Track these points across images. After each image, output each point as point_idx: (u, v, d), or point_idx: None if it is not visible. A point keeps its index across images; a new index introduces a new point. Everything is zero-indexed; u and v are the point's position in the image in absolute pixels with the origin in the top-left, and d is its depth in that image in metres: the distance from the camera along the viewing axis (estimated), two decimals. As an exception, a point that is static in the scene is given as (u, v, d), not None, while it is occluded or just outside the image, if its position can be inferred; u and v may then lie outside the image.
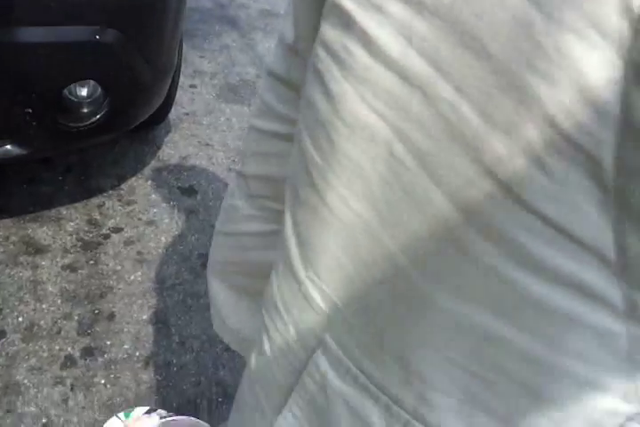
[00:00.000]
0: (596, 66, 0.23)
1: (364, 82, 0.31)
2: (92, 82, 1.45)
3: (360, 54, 0.32)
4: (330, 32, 0.34)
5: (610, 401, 0.31)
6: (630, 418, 0.31)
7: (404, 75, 0.29)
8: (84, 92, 1.46)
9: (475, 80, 0.26)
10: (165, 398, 1.43)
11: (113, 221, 1.86)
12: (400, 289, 0.34)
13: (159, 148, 2.25)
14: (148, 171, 2.11)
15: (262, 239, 0.62)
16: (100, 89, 1.47)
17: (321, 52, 0.35)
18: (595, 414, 0.32)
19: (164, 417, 1.30)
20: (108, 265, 1.71)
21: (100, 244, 1.77)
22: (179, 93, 2.43)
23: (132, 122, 1.73)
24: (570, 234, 0.26)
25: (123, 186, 2.01)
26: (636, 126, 0.23)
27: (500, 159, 0.26)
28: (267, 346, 0.48)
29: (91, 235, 1.79)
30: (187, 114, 2.49)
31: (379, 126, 0.31)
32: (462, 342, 0.33)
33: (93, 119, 1.50)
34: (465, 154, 0.28)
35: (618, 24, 0.22)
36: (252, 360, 0.52)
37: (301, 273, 0.42)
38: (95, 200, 1.92)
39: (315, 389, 0.43)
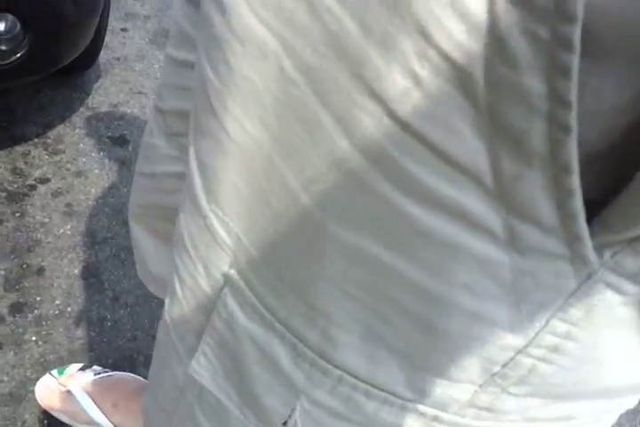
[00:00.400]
0: None
1: None
2: (9, 17, 1.33)
3: None
4: None
5: (499, 335, 0.31)
6: (519, 351, 0.31)
7: None
8: (0, 27, 1.34)
9: None
10: (100, 355, 1.39)
11: (40, 171, 1.75)
12: (296, 219, 0.33)
13: (88, 94, 2.12)
14: (76, 119, 1.99)
15: (183, 182, 0.60)
16: (18, 25, 1.35)
17: None
18: (486, 348, 0.32)
19: (99, 373, 1.27)
20: (35, 218, 1.61)
21: (26, 195, 1.67)
22: (109, 37, 2.29)
23: (56, 63, 1.60)
24: (447, 156, 0.25)
25: (49, 134, 1.89)
26: (501, 36, 0.21)
27: (379, 74, 0.25)
28: (177, 287, 0.46)
29: (15, 185, 1.68)
30: (117, 59, 2.36)
31: (269, 41, 0.29)
32: (356, 274, 0.32)
33: (13, 58, 1.38)
34: (347, 69, 0.26)
35: None
36: (166, 303, 0.50)
37: (205, 206, 0.40)
38: (19, 148, 1.79)
39: (223, 328, 0.42)
